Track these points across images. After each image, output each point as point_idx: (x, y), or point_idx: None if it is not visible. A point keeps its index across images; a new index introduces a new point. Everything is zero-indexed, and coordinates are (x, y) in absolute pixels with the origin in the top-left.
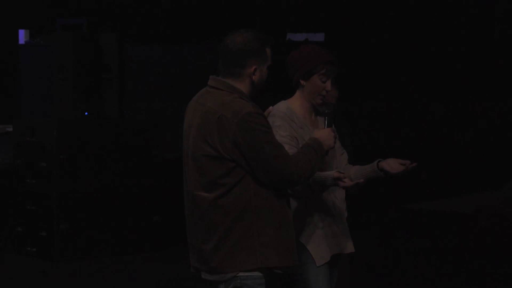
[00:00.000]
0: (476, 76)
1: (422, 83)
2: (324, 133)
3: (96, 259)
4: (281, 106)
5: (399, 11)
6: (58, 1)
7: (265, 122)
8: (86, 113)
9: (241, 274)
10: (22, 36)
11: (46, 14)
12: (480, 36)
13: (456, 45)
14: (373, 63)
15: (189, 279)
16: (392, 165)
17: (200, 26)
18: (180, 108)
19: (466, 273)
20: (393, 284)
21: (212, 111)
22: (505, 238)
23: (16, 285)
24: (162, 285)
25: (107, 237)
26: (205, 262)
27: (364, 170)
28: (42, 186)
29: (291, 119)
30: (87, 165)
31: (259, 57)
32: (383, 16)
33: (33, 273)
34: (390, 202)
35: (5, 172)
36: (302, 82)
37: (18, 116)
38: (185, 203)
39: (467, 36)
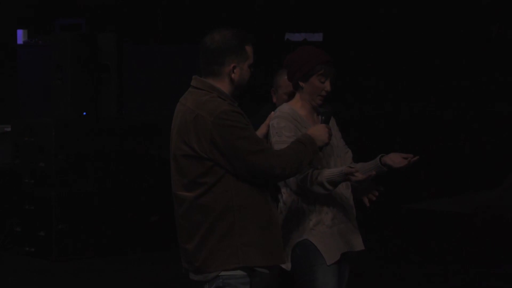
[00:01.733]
0: (474, 76)
1: (420, 83)
2: (317, 129)
3: (94, 259)
4: (284, 108)
5: (397, 11)
6: (57, 1)
7: (241, 119)
8: (84, 113)
9: (223, 273)
10: (21, 36)
11: (45, 14)
12: (477, 37)
13: (454, 45)
14: (371, 62)
15: (189, 279)
16: (395, 159)
17: (198, 25)
18: None
19: (464, 272)
20: (392, 284)
21: (189, 111)
22: (503, 237)
23: (15, 285)
24: (161, 285)
25: (105, 236)
26: (190, 262)
27: (368, 166)
28: (40, 186)
29: (295, 120)
30: (85, 165)
31: (238, 54)
32: (382, 16)
33: (32, 273)
34: (389, 202)
35: (3, 172)
36: (301, 84)
37: (16, 116)
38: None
39: (466, 37)
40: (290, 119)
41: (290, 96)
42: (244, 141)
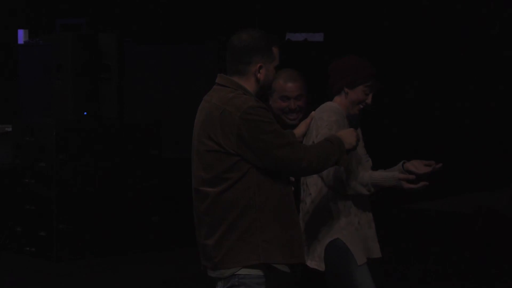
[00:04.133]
0: (476, 75)
1: (421, 82)
2: (346, 132)
3: (95, 259)
4: (333, 104)
5: (398, 11)
6: (58, 0)
7: (267, 114)
8: (85, 113)
9: (240, 272)
10: (21, 36)
11: (45, 14)
12: (479, 35)
13: (455, 45)
14: (373, 62)
15: (189, 279)
16: (418, 166)
17: (199, 26)
18: (179, 108)
19: (465, 272)
20: (393, 284)
21: (215, 107)
22: (504, 238)
23: (15, 285)
24: (162, 285)
25: (106, 237)
26: (209, 258)
27: (390, 173)
28: (41, 186)
29: (344, 116)
30: (86, 165)
31: (264, 55)
32: (383, 16)
33: (32, 273)
34: (390, 202)
35: (4, 172)
36: (346, 89)
37: (17, 116)
38: (193, 201)
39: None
40: (341, 114)
41: (284, 99)
42: (271, 135)
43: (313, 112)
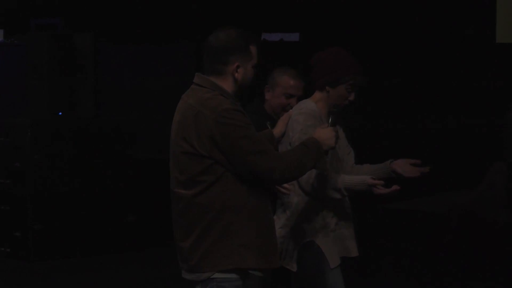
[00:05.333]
0: (450, 74)
1: (397, 80)
2: (324, 132)
3: (71, 259)
4: (311, 105)
5: (376, 11)
6: (33, 0)
7: (243, 118)
8: (60, 113)
9: (218, 275)
10: None
11: (20, 14)
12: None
13: (432, 47)
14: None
15: (165, 280)
16: (405, 168)
17: (174, 26)
18: (154, 109)
19: (438, 272)
20: (368, 283)
21: (191, 107)
22: (478, 238)
23: None
24: (137, 286)
25: (81, 237)
26: (185, 260)
27: (376, 170)
28: (16, 186)
29: (321, 119)
30: (61, 165)
31: (242, 54)
32: (359, 16)
33: (8, 273)
34: (366, 201)
35: None
36: (327, 88)
37: None
38: (171, 201)
39: (441, 39)
40: (317, 117)
41: (288, 96)
42: (245, 140)
43: (290, 111)
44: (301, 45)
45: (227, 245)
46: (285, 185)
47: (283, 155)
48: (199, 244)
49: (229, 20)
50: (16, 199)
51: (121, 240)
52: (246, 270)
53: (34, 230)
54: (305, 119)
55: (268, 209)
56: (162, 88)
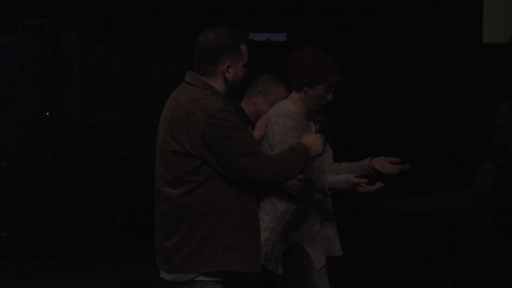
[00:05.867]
0: (444, 75)
1: (385, 81)
2: (312, 138)
3: (58, 260)
4: (290, 106)
5: (360, 10)
6: (20, 0)
7: (234, 119)
8: (47, 113)
9: (201, 278)
10: None
11: (7, 13)
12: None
13: (421, 46)
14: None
15: (152, 280)
16: (385, 165)
17: (161, 26)
18: (142, 108)
19: (427, 272)
20: (354, 283)
21: (181, 106)
22: (465, 238)
23: None
24: (124, 286)
25: (69, 237)
26: (166, 261)
27: (356, 167)
28: (3, 186)
29: (300, 120)
30: (48, 166)
31: (232, 53)
32: (346, 15)
33: None
34: (351, 201)
35: None
36: (305, 88)
37: None
38: (155, 200)
39: (430, 40)
40: (296, 119)
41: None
42: (235, 141)
43: (269, 113)
44: (288, 45)
45: (212, 247)
46: (291, 182)
47: (273, 158)
48: (183, 245)
49: (217, 19)
50: (3, 200)
51: (108, 241)
52: (229, 273)
53: (21, 231)
54: (284, 121)
55: (255, 213)
56: (150, 88)
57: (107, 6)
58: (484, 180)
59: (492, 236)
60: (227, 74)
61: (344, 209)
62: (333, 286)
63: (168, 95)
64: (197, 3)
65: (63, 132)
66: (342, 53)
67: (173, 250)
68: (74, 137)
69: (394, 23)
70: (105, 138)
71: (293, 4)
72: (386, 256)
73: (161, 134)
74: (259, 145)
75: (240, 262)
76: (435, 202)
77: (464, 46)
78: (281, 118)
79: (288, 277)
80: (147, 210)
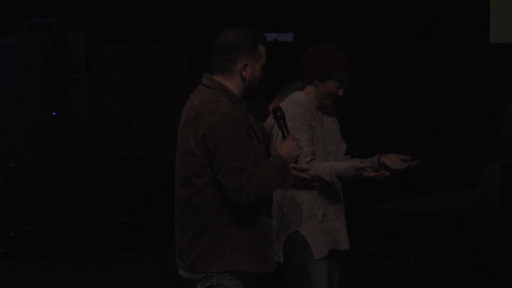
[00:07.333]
0: (447, 75)
1: (392, 82)
2: (285, 146)
3: (65, 259)
4: (301, 95)
5: (369, 10)
6: (27, 0)
7: (236, 127)
8: (54, 113)
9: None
10: None
11: (14, 14)
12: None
13: (426, 46)
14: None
15: (158, 280)
16: (393, 160)
17: (168, 25)
18: (148, 108)
19: (433, 272)
20: (363, 283)
21: (194, 107)
22: (472, 238)
23: None
24: (131, 286)
25: (75, 237)
26: (181, 259)
27: (351, 163)
28: (10, 186)
29: (310, 108)
30: (55, 166)
31: (250, 53)
32: (352, 15)
33: (2, 273)
34: (359, 201)
35: None
36: (316, 82)
37: None
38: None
39: (436, 37)
40: (306, 106)
41: None
42: (227, 151)
43: (280, 103)
44: (294, 45)
45: (220, 248)
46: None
47: (254, 177)
48: (193, 245)
49: (223, 20)
50: (10, 200)
51: (115, 240)
52: (238, 273)
53: (28, 230)
54: (293, 107)
55: (264, 212)
56: (156, 87)
57: (114, 6)
58: (491, 180)
59: (499, 236)
60: (244, 73)
61: (350, 209)
62: (340, 285)
63: (175, 95)
64: (204, 3)
65: (69, 132)
66: (348, 53)
67: (185, 249)
68: (81, 136)
69: (401, 23)
70: (111, 137)
71: (300, 4)
72: (393, 256)
73: (179, 135)
74: (252, 164)
75: (247, 262)
76: (441, 202)
77: (471, 46)
78: (291, 105)
79: (287, 266)
80: (153, 210)
